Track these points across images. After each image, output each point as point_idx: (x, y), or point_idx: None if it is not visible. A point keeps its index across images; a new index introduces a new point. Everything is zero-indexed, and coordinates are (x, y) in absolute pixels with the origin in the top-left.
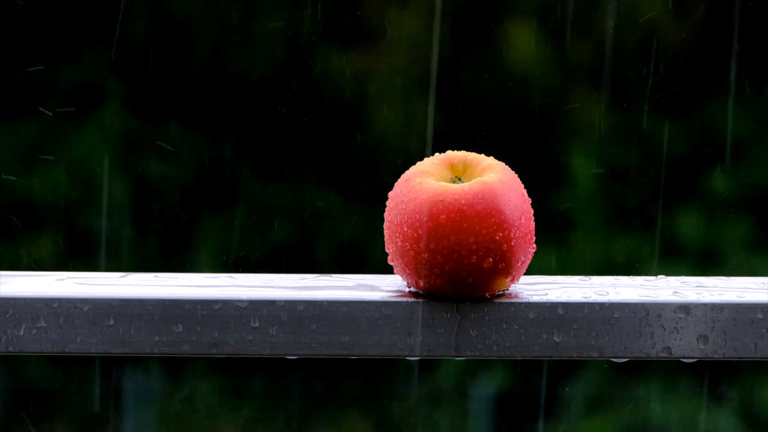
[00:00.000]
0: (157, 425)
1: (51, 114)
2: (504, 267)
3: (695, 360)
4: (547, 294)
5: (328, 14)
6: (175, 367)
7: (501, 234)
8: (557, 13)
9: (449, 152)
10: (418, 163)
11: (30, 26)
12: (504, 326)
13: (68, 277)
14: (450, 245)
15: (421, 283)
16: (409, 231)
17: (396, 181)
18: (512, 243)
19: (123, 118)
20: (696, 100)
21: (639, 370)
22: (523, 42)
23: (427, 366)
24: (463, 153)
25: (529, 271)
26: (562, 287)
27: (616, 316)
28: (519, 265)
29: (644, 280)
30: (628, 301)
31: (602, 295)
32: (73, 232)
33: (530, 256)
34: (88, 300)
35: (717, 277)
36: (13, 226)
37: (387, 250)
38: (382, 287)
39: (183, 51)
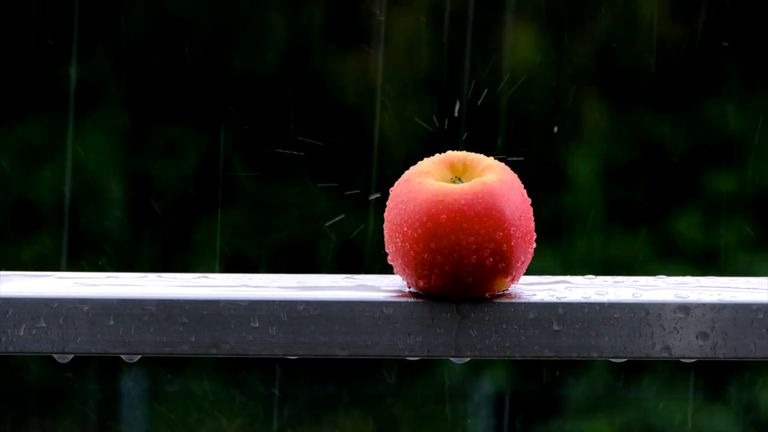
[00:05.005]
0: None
1: (51, 113)
2: (504, 267)
3: (695, 360)
4: (547, 294)
5: (329, 15)
6: (174, 366)
7: (501, 234)
8: (558, 13)
9: (449, 152)
10: (418, 163)
11: (30, 26)
12: (504, 326)
13: (68, 277)
14: (450, 245)
15: (421, 283)
16: (409, 231)
17: (396, 181)
18: (512, 243)
19: (123, 117)
20: (696, 100)
21: (639, 370)
22: (523, 42)
23: (427, 366)
24: (463, 153)
25: (529, 271)
26: (562, 287)
27: (616, 316)
28: (519, 265)
29: (644, 280)
30: (628, 301)
31: (602, 295)
32: (73, 232)
33: (530, 256)
34: (88, 300)
35: (717, 277)
36: (13, 226)
37: (387, 250)
38: (382, 287)
39: (183, 51)
